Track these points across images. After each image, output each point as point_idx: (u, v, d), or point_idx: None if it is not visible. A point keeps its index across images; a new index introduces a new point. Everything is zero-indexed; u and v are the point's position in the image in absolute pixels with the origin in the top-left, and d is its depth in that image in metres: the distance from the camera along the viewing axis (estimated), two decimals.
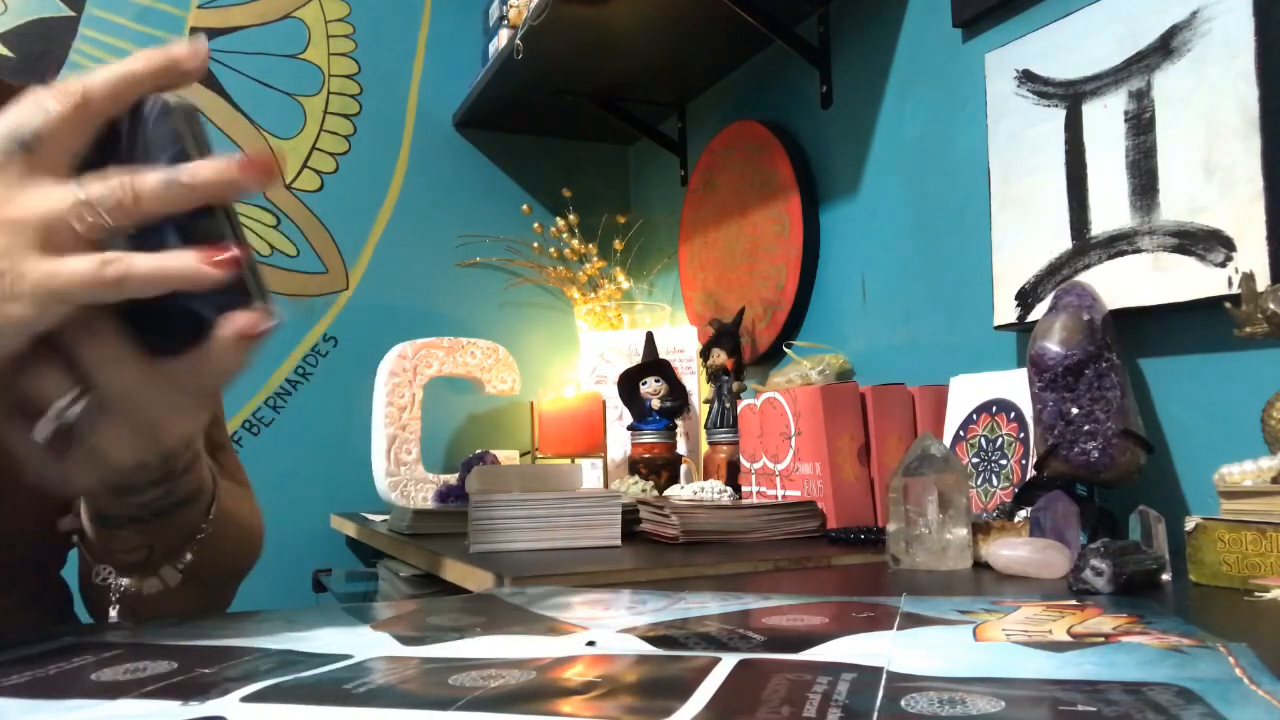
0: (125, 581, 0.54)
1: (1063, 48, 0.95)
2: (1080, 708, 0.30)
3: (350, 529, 1.55)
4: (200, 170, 0.38)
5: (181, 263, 0.38)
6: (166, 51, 0.40)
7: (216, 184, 0.39)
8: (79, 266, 0.36)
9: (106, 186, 0.37)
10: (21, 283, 0.36)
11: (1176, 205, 0.85)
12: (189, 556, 0.56)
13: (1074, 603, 0.53)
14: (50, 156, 0.38)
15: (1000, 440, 0.94)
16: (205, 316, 0.40)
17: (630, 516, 0.98)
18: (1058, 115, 0.96)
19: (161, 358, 0.41)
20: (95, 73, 0.39)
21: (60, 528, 0.57)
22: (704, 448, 1.40)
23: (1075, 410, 0.80)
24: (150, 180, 0.38)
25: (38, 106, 0.38)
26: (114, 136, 0.40)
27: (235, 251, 0.39)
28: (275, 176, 0.41)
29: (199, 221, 0.39)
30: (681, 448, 1.42)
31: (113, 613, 0.55)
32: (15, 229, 0.36)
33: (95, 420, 0.40)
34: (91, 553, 0.55)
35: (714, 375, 1.40)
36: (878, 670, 0.35)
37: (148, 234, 0.39)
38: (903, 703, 0.31)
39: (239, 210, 0.39)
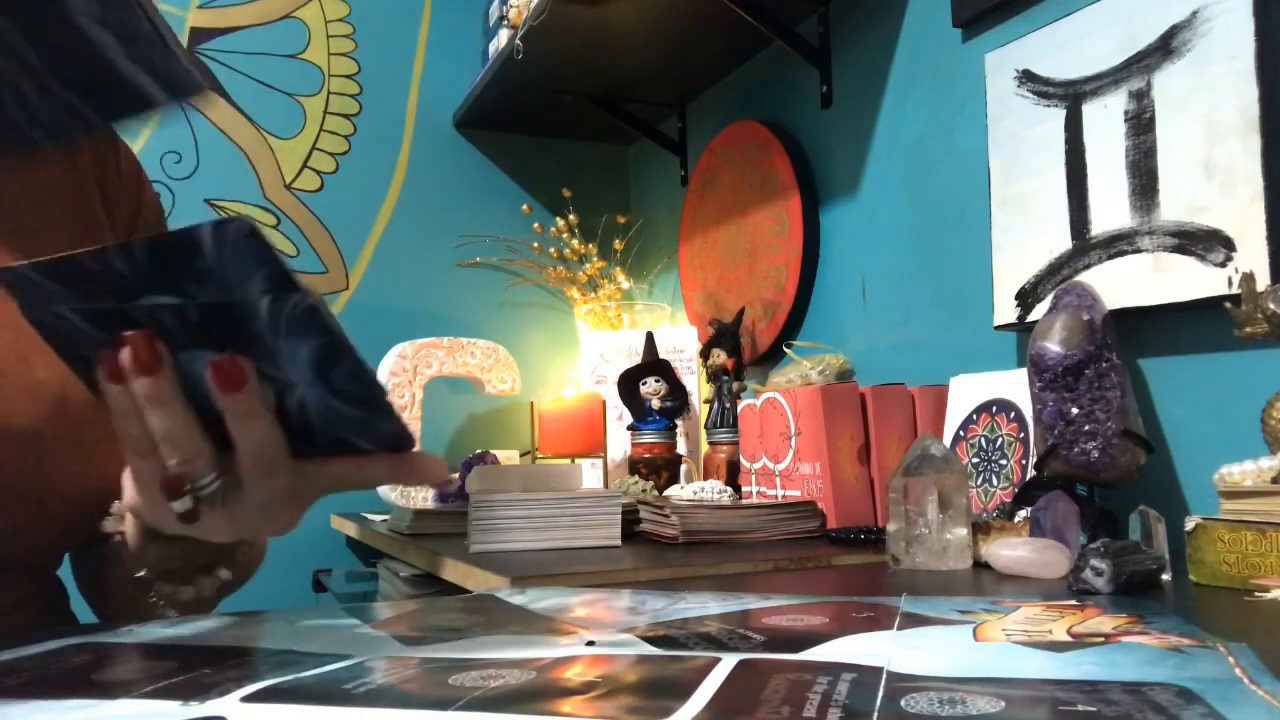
0: (163, 586, 0.56)
1: (1063, 48, 0.95)
2: (1080, 708, 0.30)
3: (350, 529, 1.55)
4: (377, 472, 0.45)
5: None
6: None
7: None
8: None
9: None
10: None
11: (1176, 205, 0.85)
12: (225, 575, 0.58)
13: (1074, 603, 0.53)
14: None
15: (1000, 440, 0.93)
16: (360, 446, 0.43)
17: (630, 516, 0.98)
18: (1058, 115, 0.96)
19: (304, 458, 0.44)
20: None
21: (102, 529, 0.58)
22: (704, 448, 1.40)
23: (1075, 410, 0.79)
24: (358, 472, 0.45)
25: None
26: (195, 247, 0.38)
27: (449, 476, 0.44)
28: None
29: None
30: (681, 448, 1.42)
31: (157, 605, 0.56)
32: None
33: (225, 500, 0.43)
34: (127, 555, 0.55)
35: (714, 375, 1.40)
36: (878, 670, 0.35)
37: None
38: (903, 703, 0.31)
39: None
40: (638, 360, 1.43)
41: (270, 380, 0.41)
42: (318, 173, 1.86)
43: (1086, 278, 0.91)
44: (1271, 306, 0.68)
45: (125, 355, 0.40)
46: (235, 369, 0.40)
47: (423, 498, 1.64)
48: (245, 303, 0.38)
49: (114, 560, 0.58)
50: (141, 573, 0.55)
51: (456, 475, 1.49)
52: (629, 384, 1.39)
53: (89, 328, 0.40)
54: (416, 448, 0.44)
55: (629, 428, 1.39)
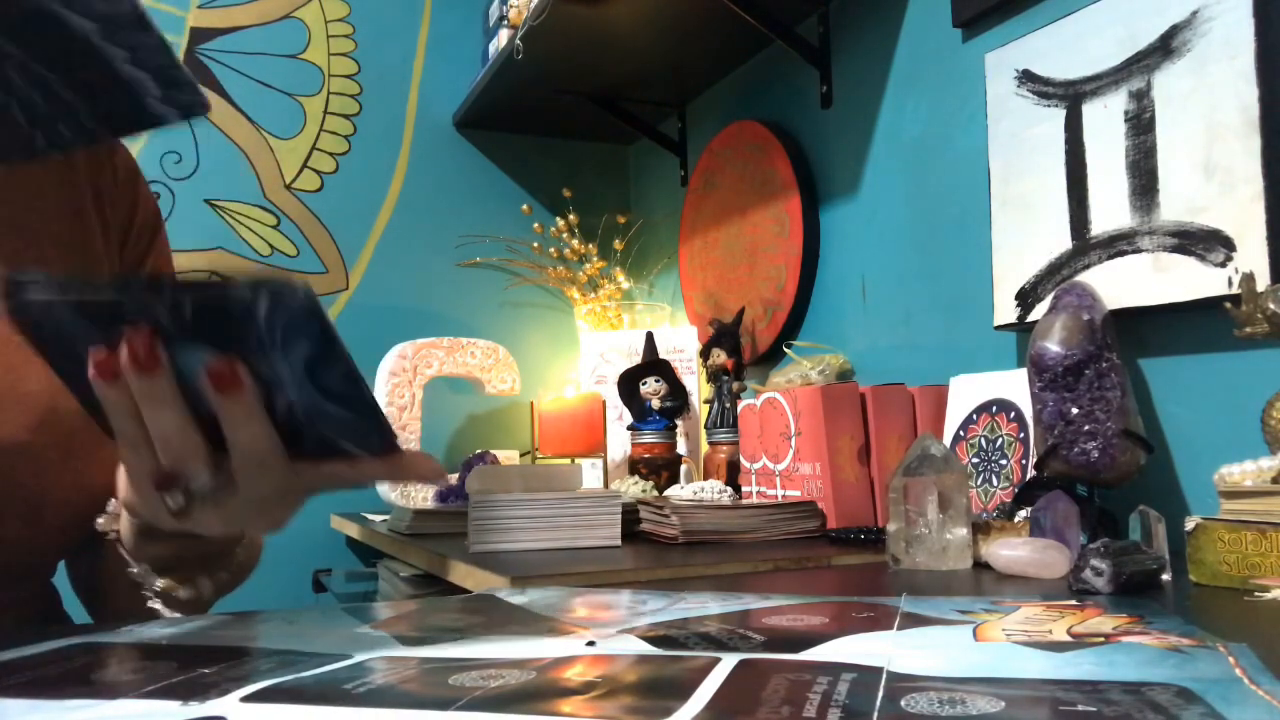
0: (160, 582, 0.56)
1: (1063, 48, 0.95)
2: (1080, 708, 0.30)
3: (350, 529, 1.55)
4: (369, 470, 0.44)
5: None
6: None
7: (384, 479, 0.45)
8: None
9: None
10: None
11: (1176, 205, 0.85)
12: (222, 576, 0.58)
13: (1074, 603, 0.53)
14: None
15: (1000, 440, 0.93)
16: (346, 450, 0.43)
17: (630, 516, 0.98)
18: (1058, 115, 0.96)
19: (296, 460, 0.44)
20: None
21: (97, 527, 0.57)
22: (704, 448, 1.40)
23: (1075, 410, 0.79)
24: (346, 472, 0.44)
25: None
26: (247, 313, 0.38)
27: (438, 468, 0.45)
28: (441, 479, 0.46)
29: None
30: (681, 448, 1.42)
31: (156, 605, 0.56)
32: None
33: (218, 496, 0.44)
34: (123, 554, 0.56)
35: (714, 375, 1.40)
36: (878, 670, 0.35)
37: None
38: (903, 703, 0.31)
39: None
40: (638, 360, 1.43)
41: (261, 379, 0.41)
42: (318, 173, 1.86)
43: (1086, 278, 0.91)
44: (1271, 306, 0.68)
45: (124, 354, 0.39)
46: (232, 373, 0.40)
47: (423, 498, 1.64)
48: (242, 301, 0.37)
49: (110, 558, 0.58)
50: (136, 569, 0.55)
51: (456, 476, 1.49)
52: (629, 384, 1.39)
53: (82, 322, 0.40)
54: (406, 448, 0.44)
55: (629, 428, 1.39)
